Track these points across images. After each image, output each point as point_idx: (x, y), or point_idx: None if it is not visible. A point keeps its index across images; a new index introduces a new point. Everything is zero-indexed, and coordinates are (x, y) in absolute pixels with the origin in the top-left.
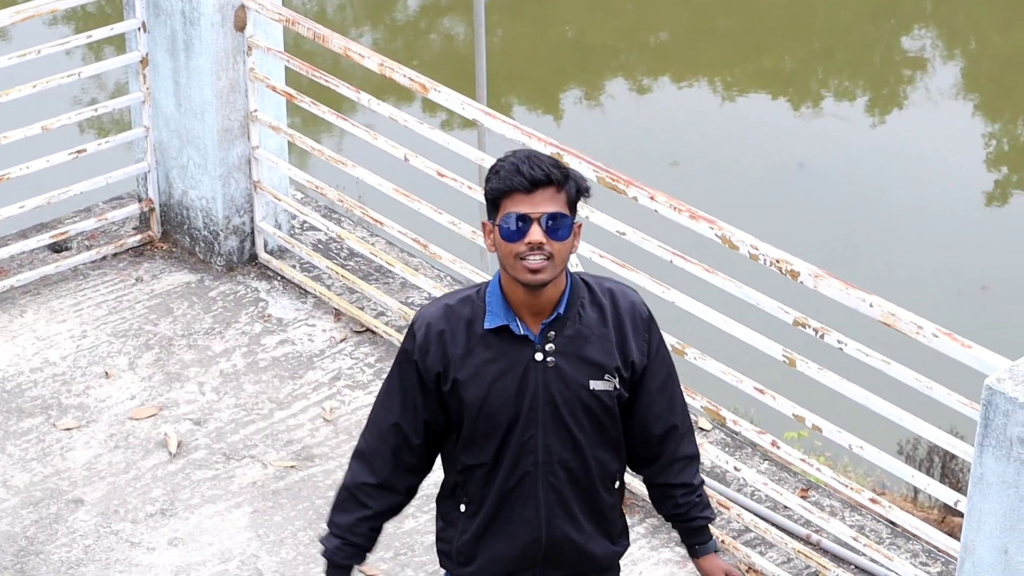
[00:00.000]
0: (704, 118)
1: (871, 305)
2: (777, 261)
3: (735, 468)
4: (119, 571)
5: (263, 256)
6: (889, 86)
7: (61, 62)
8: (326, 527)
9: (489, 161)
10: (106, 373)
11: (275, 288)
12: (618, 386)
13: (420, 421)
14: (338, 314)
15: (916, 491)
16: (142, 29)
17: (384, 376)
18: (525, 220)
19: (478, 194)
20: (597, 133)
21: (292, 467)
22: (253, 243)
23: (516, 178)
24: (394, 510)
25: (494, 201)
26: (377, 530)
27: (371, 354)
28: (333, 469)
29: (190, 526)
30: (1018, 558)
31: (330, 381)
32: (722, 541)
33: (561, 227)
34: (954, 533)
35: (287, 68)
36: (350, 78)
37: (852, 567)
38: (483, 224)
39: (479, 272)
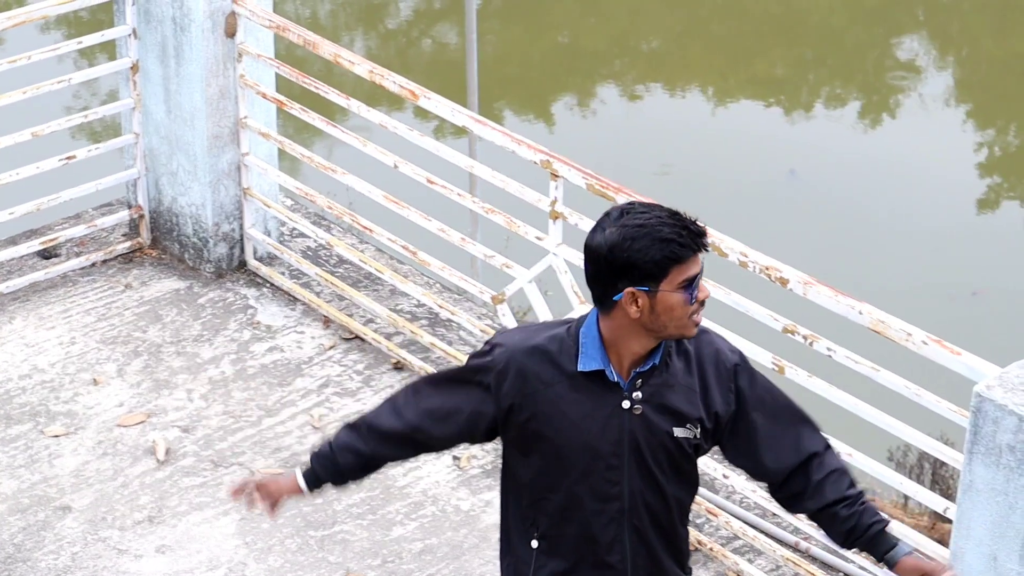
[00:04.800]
0: (696, 124)
1: (860, 312)
2: (766, 268)
3: (723, 475)
4: None
5: (252, 263)
6: (881, 93)
7: (53, 68)
8: (335, 433)
9: (480, 168)
10: (94, 380)
11: (264, 295)
12: (698, 436)
13: (450, 432)
14: (327, 321)
15: (906, 498)
16: (133, 36)
17: (373, 383)
18: (697, 279)
19: (468, 201)
20: (589, 140)
21: (280, 474)
22: (242, 250)
23: (697, 240)
24: (390, 461)
25: (664, 268)
26: (365, 466)
27: (360, 361)
28: None
29: (178, 533)
30: (1007, 565)
31: (319, 388)
32: (710, 549)
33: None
34: (944, 540)
35: (278, 75)
36: (342, 85)
37: (841, 574)
38: (631, 292)
39: (467, 280)
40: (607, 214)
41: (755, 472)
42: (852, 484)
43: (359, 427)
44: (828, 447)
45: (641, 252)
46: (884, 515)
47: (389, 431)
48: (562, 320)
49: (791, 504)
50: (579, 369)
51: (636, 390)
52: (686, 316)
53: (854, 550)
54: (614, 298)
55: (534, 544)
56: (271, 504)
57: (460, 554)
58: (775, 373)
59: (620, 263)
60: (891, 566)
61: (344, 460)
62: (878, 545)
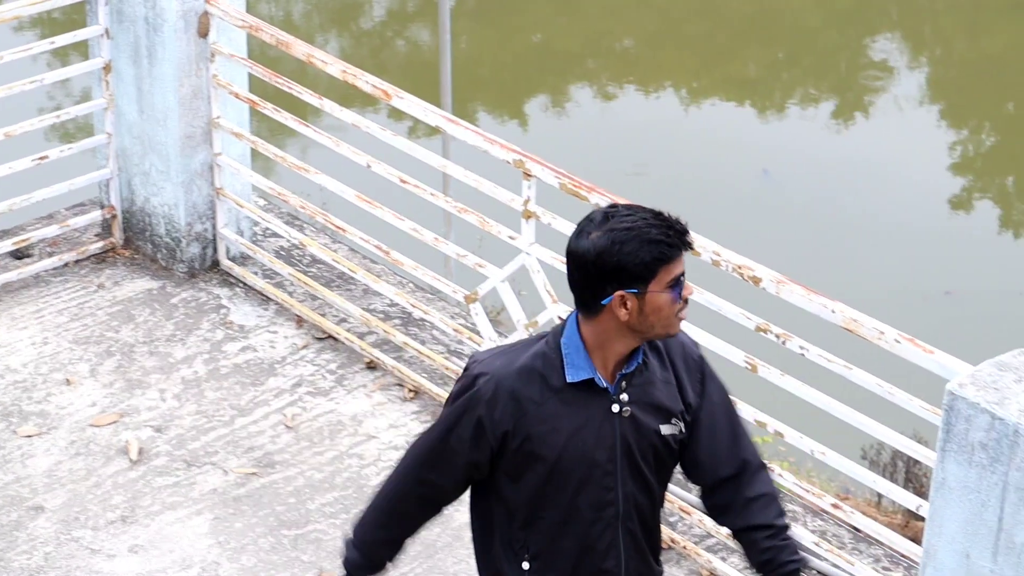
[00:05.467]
0: (669, 124)
1: (833, 311)
2: (739, 267)
3: None
4: None
5: (225, 263)
6: (854, 92)
7: (27, 68)
8: (350, 531)
9: (452, 168)
10: (67, 380)
11: (237, 295)
12: (683, 430)
13: (456, 476)
14: (300, 321)
15: (880, 496)
16: (105, 35)
17: (346, 383)
18: (682, 277)
19: (441, 201)
20: (562, 140)
21: (253, 474)
22: (215, 250)
23: (684, 238)
24: (418, 527)
25: (653, 269)
26: (398, 547)
27: (333, 360)
28: (294, 476)
29: (151, 533)
30: (979, 562)
31: (291, 388)
32: (684, 547)
33: None
34: (917, 538)
35: (251, 75)
36: (315, 85)
37: (814, 572)
38: (620, 296)
39: (440, 279)
40: (589, 219)
41: (690, 470)
42: (781, 513)
43: (373, 520)
44: (763, 465)
45: (631, 255)
46: (803, 554)
47: (400, 502)
48: (536, 336)
49: (717, 516)
50: (568, 381)
51: (623, 392)
52: (673, 315)
53: None
54: (602, 302)
55: (525, 566)
56: None
57: (433, 553)
58: (748, 372)
59: (610, 267)
60: None
61: (378, 556)
62: None
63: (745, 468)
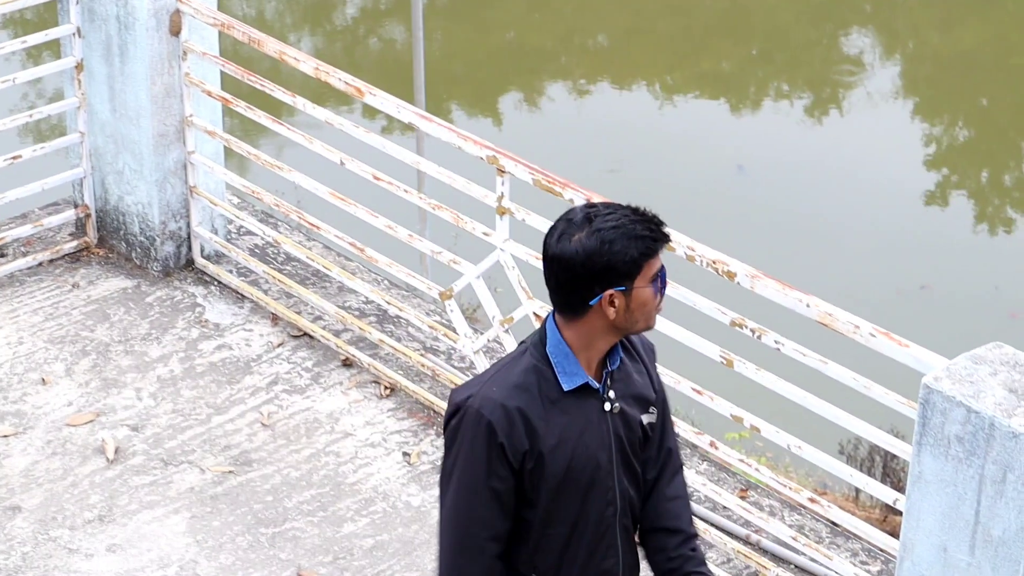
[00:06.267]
0: (643, 121)
1: (808, 305)
2: (714, 262)
3: None
4: None
5: (200, 261)
6: (828, 88)
7: (0, 68)
8: None
9: (426, 164)
10: (43, 380)
11: (212, 293)
12: (658, 416)
13: (511, 508)
14: (275, 319)
15: (857, 491)
16: (77, 34)
17: (322, 380)
18: (663, 270)
19: (415, 198)
20: (536, 136)
21: (230, 472)
22: (190, 248)
23: (663, 231)
24: None
25: (639, 265)
26: None
27: (308, 358)
28: (271, 474)
29: (128, 532)
30: (956, 555)
31: (267, 386)
32: None
33: None
34: (895, 532)
35: (224, 73)
36: (289, 83)
37: (792, 566)
38: (609, 295)
39: (415, 276)
40: (569, 220)
41: None
42: (691, 521)
43: None
44: (682, 467)
45: (620, 253)
46: (708, 567)
47: (480, 571)
48: (516, 352)
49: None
50: (565, 390)
51: (610, 389)
52: (654, 309)
53: None
54: (590, 303)
55: None
56: None
57: (411, 550)
58: (723, 367)
59: (599, 267)
60: None
61: None
62: None
63: (667, 465)
